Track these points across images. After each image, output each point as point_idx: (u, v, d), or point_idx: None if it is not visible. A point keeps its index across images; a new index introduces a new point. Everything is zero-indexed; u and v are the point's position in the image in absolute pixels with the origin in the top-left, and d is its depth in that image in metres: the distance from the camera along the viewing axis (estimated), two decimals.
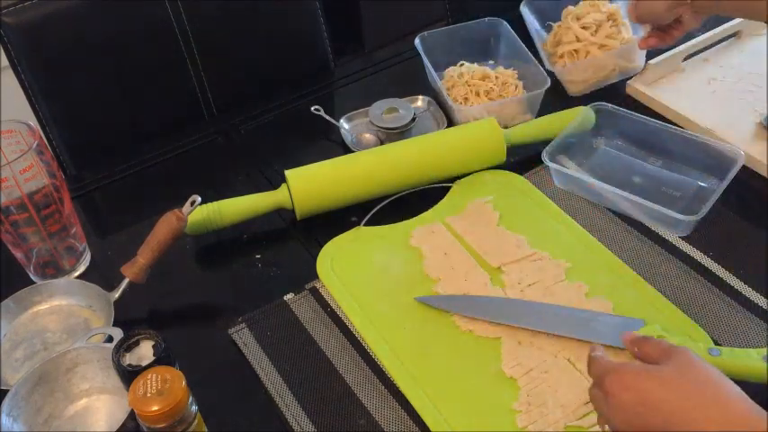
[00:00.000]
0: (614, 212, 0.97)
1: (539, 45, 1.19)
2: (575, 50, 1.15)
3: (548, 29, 1.21)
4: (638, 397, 0.63)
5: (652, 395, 0.62)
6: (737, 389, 0.62)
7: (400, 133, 1.10)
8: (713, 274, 0.89)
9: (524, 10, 1.22)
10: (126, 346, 0.75)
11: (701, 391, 0.62)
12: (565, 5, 1.20)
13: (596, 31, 1.15)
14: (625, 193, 0.93)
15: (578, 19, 1.17)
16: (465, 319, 0.85)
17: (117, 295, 0.90)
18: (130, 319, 0.90)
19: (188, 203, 0.91)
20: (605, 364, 0.67)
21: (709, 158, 0.99)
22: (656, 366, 0.65)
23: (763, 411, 0.60)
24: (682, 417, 0.60)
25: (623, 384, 0.64)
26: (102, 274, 0.97)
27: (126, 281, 0.90)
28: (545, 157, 0.99)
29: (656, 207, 0.91)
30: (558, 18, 1.20)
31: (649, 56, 1.14)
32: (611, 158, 1.05)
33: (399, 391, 0.80)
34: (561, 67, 1.14)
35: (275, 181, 1.06)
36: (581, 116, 1.04)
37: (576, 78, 1.13)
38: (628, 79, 1.15)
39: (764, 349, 0.75)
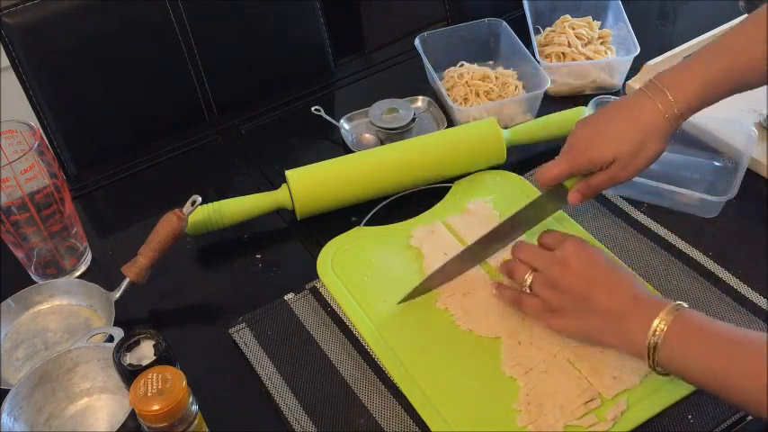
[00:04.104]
0: (614, 213, 0.97)
1: (534, 38, 1.21)
2: (562, 53, 1.19)
3: (536, 32, 1.24)
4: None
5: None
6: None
7: (400, 133, 1.10)
8: (713, 275, 0.89)
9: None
10: (127, 345, 0.75)
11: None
12: (561, 12, 1.24)
13: (586, 45, 1.20)
14: (653, 182, 0.93)
15: (573, 29, 1.21)
16: (465, 319, 0.85)
17: (118, 295, 0.90)
18: (131, 319, 0.90)
19: (189, 203, 0.91)
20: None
21: (718, 144, 1.01)
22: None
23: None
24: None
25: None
26: (102, 274, 0.97)
27: (127, 281, 0.90)
28: None
29: (685, 191, 0.92)
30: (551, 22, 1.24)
31: (639, 64, 1.15)
32: None
33: (399, 391, 0.80)
34: (547, 63, 1.16)
35: (275, 181, 1.06)
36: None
37: (557, 79, 1.15)
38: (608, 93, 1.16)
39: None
